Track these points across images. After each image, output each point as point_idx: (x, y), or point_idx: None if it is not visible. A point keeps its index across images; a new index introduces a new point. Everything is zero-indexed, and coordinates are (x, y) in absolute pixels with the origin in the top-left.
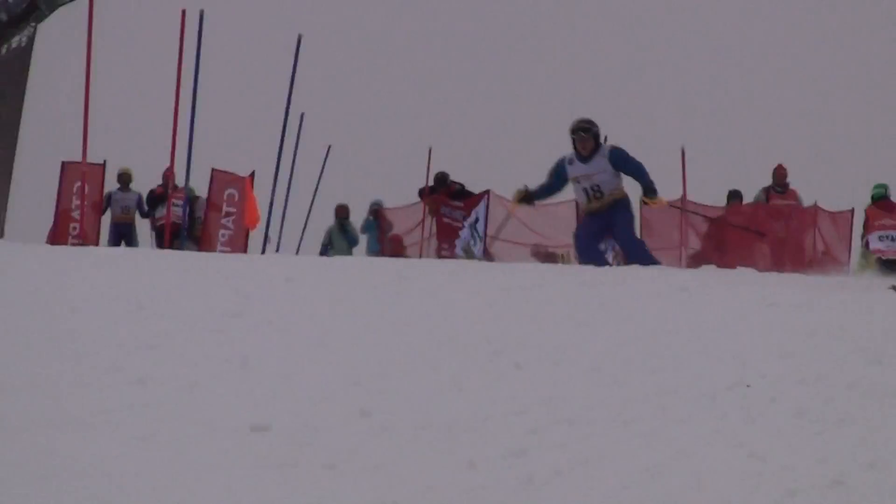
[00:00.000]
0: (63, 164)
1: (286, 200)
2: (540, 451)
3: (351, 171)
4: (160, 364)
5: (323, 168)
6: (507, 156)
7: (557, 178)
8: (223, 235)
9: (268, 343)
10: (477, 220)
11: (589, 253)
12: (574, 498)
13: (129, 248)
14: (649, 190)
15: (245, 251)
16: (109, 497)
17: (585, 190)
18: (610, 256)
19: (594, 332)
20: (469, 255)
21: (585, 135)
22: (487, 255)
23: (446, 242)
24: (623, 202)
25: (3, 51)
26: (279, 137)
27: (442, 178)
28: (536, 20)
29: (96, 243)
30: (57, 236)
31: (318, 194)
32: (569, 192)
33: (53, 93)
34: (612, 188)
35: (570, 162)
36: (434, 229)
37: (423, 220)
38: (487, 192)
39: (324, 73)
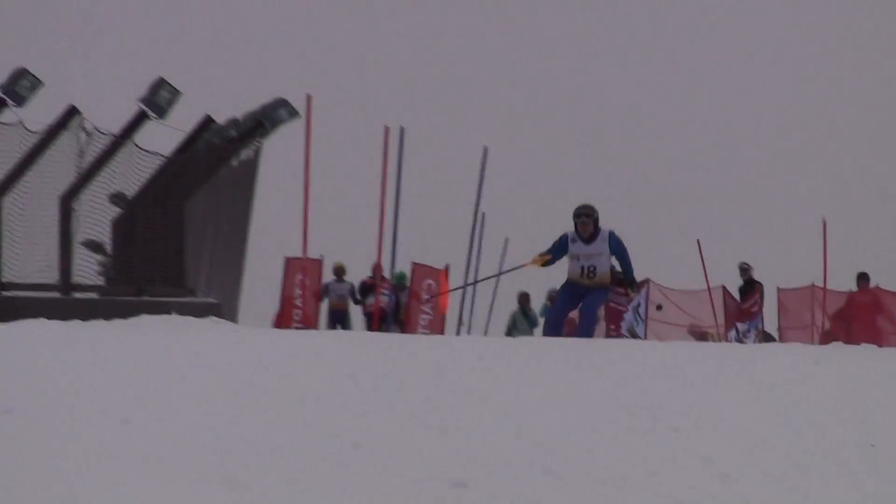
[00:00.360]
0: (286, 259)
1: (474, 288)
2: (699, 501)
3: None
4: (372, 429)
5: (503, 259)
6: (663, 247)
7: (559, 251)
8: (423, 319)
9: (464, 410)
10: (639, 304)
11: (553, 328)
12: None
13: (344, 331)
14: (632, 281)
15: (442, 333)
16: None
17: (582, 267)
18: (750, 339)
19: (739, 400)
20: (633, 334)
21: (588, 220)
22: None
23: (613, 324)
24: (606, 286)
25: (235, 163)
26: (469, 234)
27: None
28: (689, 129)
29: (316, 327)
30: (282, 321)
31: (500, 283)
32: (716, 280)
33: (277, 198)
34: (603, 272)
35: (574, 240)
36: (602, 313)
37: None
38: (647, 280)
39: (502, 177)
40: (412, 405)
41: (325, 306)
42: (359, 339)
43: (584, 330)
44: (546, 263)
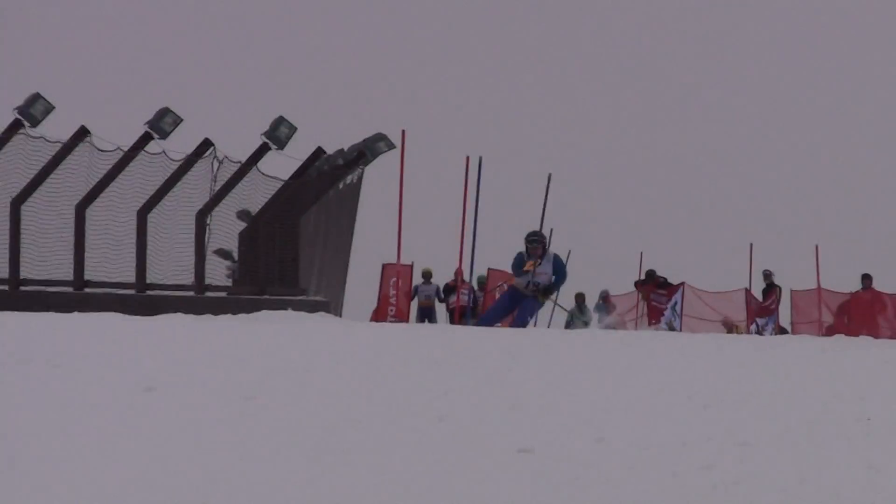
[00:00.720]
0: (383, 265)
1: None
2: (725, 465)
3: (586, 268)
4: (454, 405)
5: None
6: (698, 254)
7: (521, 263)
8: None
9: (530, 388)
10: (676, 303)
11: (489, 322)
12: (752, 499)
13: (430, 324)
14: (550, 289)
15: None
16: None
17: (528, 282)
18: (768, 332)
19: (758, 382)
20: (671, 328)
21: (537, 244)
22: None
23: (654, 319)
24: (541, 300)
25: (341, 186)
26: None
27: (651, 274)
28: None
29: (407, 321)
30: (378, 316)
31: (561, 286)
32: (740, 283)
33: (376, 215)
34: (545, 287)
35: (526, 259)
36: (645, 310)
37: (637, 304)
38: (683, 283)
39: (564, 199)
40: (487, 385)
41: (415, 304)
42: (443, 331)
43: (520, 323)
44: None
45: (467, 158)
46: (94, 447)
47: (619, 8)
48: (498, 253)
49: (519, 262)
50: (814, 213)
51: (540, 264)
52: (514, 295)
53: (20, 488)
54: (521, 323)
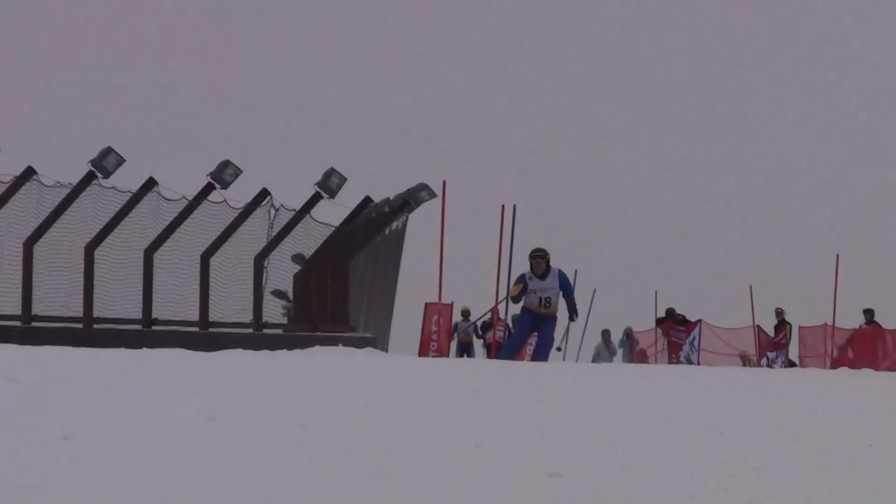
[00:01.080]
0: (426, 304)
1: (567, 328)
2: (738, 488)
3: (610, 306)
4: (490, 432)
5: (591, 305)
6: (715, 293)
7: (524, 286)
8: (530, 351)
9: (560, 416)
10: (694, 338)
11: (513, 352)
12: None
13: (469, 359)
14: (574, 312)
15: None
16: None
17: (540, 298)
18: (778, 365)
19: (769, 410)
20: (689, 361)
21: (541, 260)
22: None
23: (674, 354)
24: (555, 316)
25: (387, 232)
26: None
27: (670, 311)
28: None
29: (447, 355)
30: (422, 351)
31: (588, 322)
32: (747, 321)
33: (419, 258)
34: (555, 302)
35: (531, 278)
36: (666, 345)
37: (657, 339)
38: (699, 320)
39: (589, 243)
40: (521, 413)
41: (454, 340)
42: (480, 365)
43: (542, 352)
44: (521, 292)
45: (503, 206)
46: (161, 471)
47: (638, 54)
48: None
49: (523, 283)
50: (823, 253)
51: (541, 279)
52: (532, 316)
53: None
54: (542, 355)
